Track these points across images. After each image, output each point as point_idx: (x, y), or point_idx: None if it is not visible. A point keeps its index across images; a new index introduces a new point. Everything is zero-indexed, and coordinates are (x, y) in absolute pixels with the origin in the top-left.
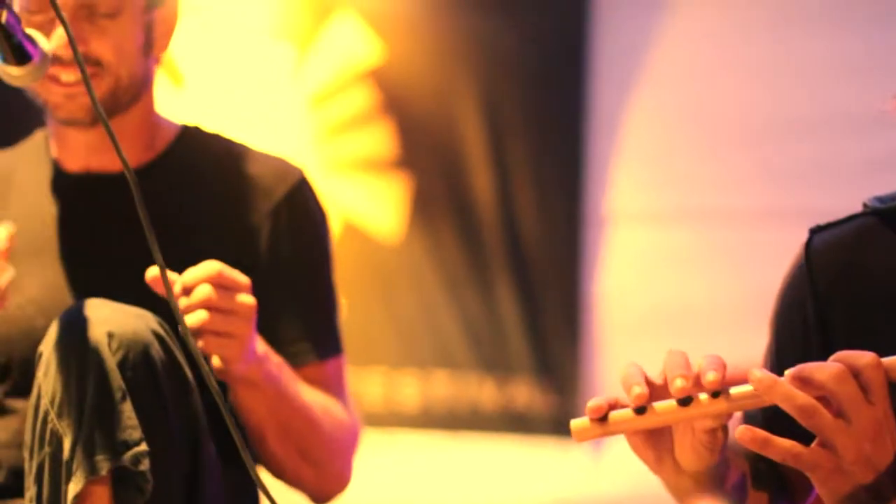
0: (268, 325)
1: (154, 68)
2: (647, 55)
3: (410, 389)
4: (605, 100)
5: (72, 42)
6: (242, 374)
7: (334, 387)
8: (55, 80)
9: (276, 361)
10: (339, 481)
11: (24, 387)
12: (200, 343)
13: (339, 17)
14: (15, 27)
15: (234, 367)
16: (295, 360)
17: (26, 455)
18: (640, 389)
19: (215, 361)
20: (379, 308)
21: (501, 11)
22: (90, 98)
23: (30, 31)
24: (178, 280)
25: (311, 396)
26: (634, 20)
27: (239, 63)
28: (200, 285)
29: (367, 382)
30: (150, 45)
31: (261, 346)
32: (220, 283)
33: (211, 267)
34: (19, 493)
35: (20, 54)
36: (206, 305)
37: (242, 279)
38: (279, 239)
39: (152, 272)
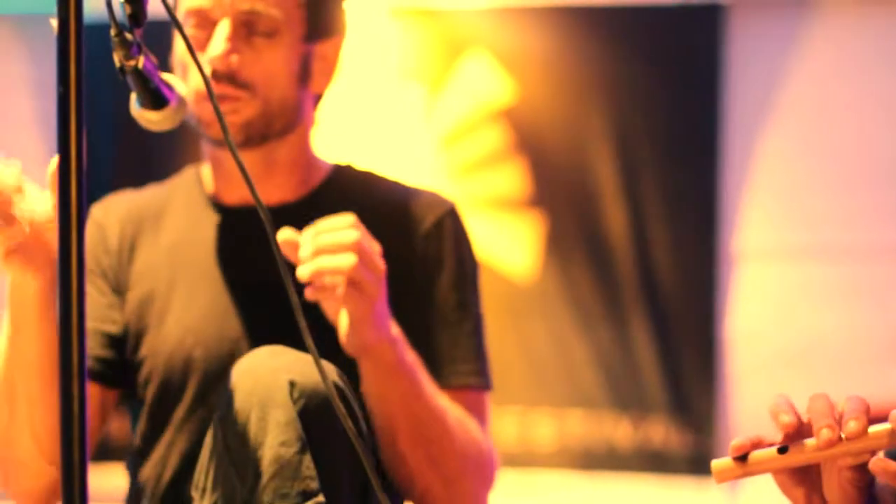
0: (416, 351)
1: (311, 103)
2: (779, 93)
3: (545, 429)
4: (737, 137)
5: (202, 73)
6: (372, 343)
7: (475, 415)
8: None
9: (412, 354)
10: None
11: (181, 419)
12: (328, 297)
13: (471, 56)
14: (151, 72)
15: (363, 329)
16: (441, 383)
17: (196, 496)
18: (787, 418)
19: (343, 322)
20: (513, 347)
21: (634, 49)
22: (220, 126)
23: (166, 75)
24: (312, 229)
25: (447, 403)
26: (766, 58)
27: (371, 103)
28: (347, 230)
29: (502, 422)
30: (306, 77)
31: (395, 328)
32: None
33: (348, 217)
34: None
35: (157, 99)
36: (356, 249)
37: (374, 242)
38: (427, 266)
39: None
